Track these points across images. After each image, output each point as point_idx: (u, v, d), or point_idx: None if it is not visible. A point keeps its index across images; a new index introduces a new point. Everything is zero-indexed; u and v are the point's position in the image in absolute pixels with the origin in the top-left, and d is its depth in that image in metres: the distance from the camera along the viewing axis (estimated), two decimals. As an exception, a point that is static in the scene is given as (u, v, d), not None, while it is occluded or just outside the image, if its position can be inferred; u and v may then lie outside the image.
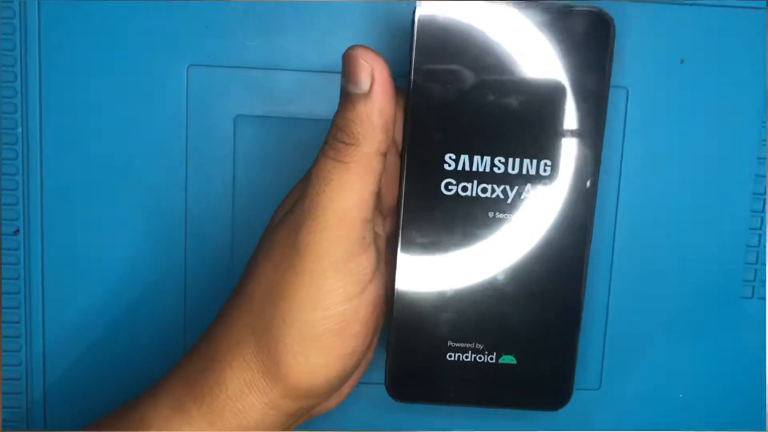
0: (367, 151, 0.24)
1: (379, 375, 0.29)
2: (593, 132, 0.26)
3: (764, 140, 0.32)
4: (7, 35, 0.30)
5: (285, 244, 0.25)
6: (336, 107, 0.31)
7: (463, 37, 0.26)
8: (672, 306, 0.33)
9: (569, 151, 0.26)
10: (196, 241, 0.32)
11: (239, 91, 0.31)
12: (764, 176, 0.33)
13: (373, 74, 0.24)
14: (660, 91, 0.32)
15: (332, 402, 0.28)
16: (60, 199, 0.31)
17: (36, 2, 0.30)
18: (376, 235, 0.26)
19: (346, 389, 0.28)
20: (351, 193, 0.24)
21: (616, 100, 0.32)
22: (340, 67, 0.31)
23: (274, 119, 0.31)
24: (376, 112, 0.24)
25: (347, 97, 0.25)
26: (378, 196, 0.26)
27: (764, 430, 0.33)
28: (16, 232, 0.32)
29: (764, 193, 0.33)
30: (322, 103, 0.31)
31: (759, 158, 0.32)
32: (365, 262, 0.25)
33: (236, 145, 0.31)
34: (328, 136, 0.25)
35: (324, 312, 0.25)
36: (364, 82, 0.24)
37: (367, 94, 0.24)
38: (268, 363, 0.25)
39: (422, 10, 0.25)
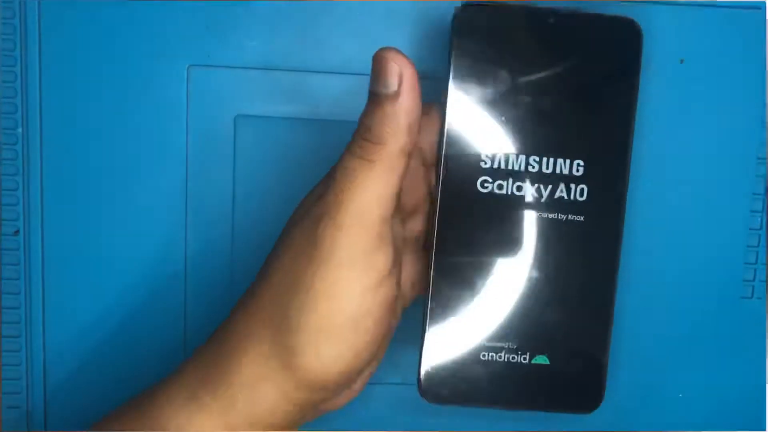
0: (391, 151, 0.25)
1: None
2: (623, 134, 0.27)
3: (764, 140, 0.32)
4: (7, 35, 0.30)
5: (304, 237, 0.26)
6: (334, 107, 0.31)
7: (500, 40, 0.27)
8: (672, 306, 0.33)
9: (601, 152, 0.27)
10: (196, 241, 0.32)
11: (239, 91, 0.31)
12: (764, 176, 0.33)
13: (401, 76, 0.25)
14: (660, 91, 0.32)
15: (341, 400, 0.28)
16: (60, 199, 0.31)
17: (36, 2, 0.30)
18: (394, 234, 0.27)
19: (356, 387, 0.29)
20: (373, 190, 0.25)
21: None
22: (339, 67, 0.31)
23: (274, 119, 0.31)
24: (403, 113, 0.25)
25: (375, 98, 0.25)
26: (398, 196, 0.26)
27: (764, 430, 0.33)
28: (16, 232, 0.32)
29: (764, 193, 0.33)
30: (322, 103, 0.31)
31: (759, 158, 0.32)
32: (382, 259, 0.26)
33: (236, 145, 0.31)
34: (355, 134, 0.26)
35: (338, 304, 0.25)
36: (393, 84, 0.25)
37: (395, 95, 0.25)
38: (283, 353, 0.25)
39: (462, 14, 0.27)
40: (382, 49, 0.25)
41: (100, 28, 0.30)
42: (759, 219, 0.33)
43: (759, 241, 0.33)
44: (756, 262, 0.33)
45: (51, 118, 0.31)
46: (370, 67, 0.31)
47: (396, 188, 0.25)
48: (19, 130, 0.31)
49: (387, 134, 0.25)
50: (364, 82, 0.31)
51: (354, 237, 0.25)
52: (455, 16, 0.27)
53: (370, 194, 0.25)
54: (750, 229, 0.33)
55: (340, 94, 0.31)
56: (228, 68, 0.31)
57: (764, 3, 0.31)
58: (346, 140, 0.31)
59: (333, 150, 0.32)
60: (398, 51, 0.25)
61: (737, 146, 0.32)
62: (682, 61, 0.32)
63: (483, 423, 0.33)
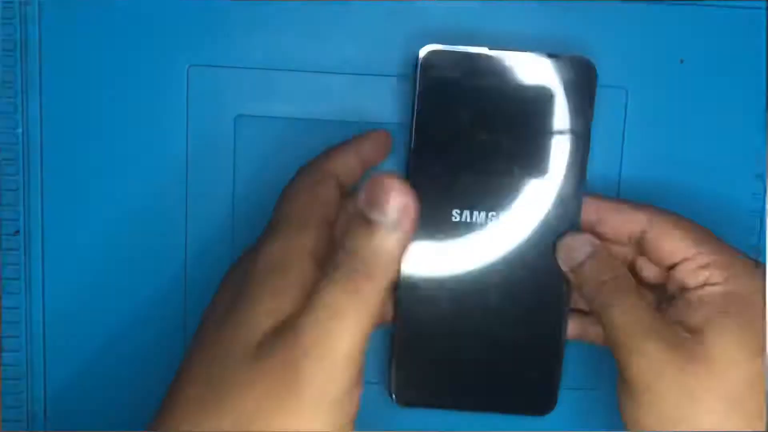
0: (380, 285, 0.23)
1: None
2: (575, 181, 0.30)
3: (764, 140, 0.32)
4: (8, 35, 0.30)
5: (276, 379, 0.22)
6: (334, 107, 0.31)
7: (463, 84, 0.29)
8: (672, 306, 0.33)
9: (549, 197, 0.30)
10: (196, 241, 0.32)
11: (239, 91, 0.31)
12: (764, 176, 0.33)
13: (405, 209, 0.23)
14: (660, 91, 0.32)
15: None
16: (60, 199, 0.31)
17: (36, 2, 0.30)
18: None
19: None
20: (360, 328, 0.22)
21: (616, 100, 0.32)
22: (339, 67, 0.31)
23: (274, 119, 0.31)
24: (400, 247, 0.23)
25: (367, 224, 0.23)
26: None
27: (764, 430, 0.33)
28: (17, 232, 0.32)
29: (764, 193, 0.33)
30: (322, 103, 0.31)
31: (759, 158, 0.32)
32: (356, 396, 0.24)
33: (236, 145, 0.31)
34: (341, 263, 0.23)
35: None
36: (393, 216, 0.22)
37: (393, 227, 0.23)
38: None
39: (427, 58, 0.29)
40: (381, 176, 0.23)
41: (100, 28, 0.30)
42: (759, 219, 0.33)
43: (759, 241, 0.33)
44: (756, 262, 0.33)
45: (51, 118, 0.31)
46: (370, 67, 0.31)
47: (377, 317, 0.23)
48: (19, 130, 0.31)
49: (379, 268, 0.23)
50: (364, 82, 0.31)
51: (338, 382, 0.22)
52: (421, 62, 0.29)
53: (358, 333, 0.22)
54: (750, 228, 0.33)
55: (340, 94, 0.31)
56: (228, 68, 0.31)
57: (764, 3, 0.32)
58: (346, 140, 0.31)
59: (333, 150, 0.32)
60: (400, 179, 0.23)
61: (737, 146, 0.32)
62: (682, 61, 0.32)
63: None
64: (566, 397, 0.33)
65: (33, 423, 0.33)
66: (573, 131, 0.29)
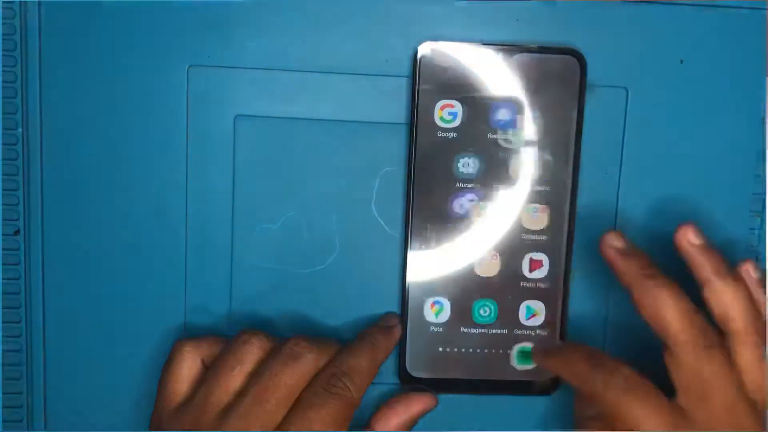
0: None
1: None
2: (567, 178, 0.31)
3: (764, 140, 0.32)
4: (8, 35, 0.30)
5: None
6: (334, 107, 0.30)
7: (460, 75, 0.31)
8: (672, 306, 0.33)
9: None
10: (196, 241, 0.32)
11: (239, 91, 0.31)
12: (764, 176, 0.33)
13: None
14: (660, 91, 0.32)
15: None
16: (60, 199, 0.31)
17: (36, 3, 0.30)
18: None
19: None
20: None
21: (616, 100, 0.32)
22: (339, 67, 0.31)
23: (274, 119, 0.31)
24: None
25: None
26: None
27: (764, 430, 0.33)
28: (17, 232, 0.32)
29: (764, 193, 0.33)
30: (322, 103, 0.31)
31: (758, 158, 0.32)
32: None
33: (236, 145, 0.31)
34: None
35: None
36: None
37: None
38: None
39: (424, 52, 0.30)
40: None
41: (100, 29, 0.31)
42: (759, 219, 0.33)
43: (759, 241, 0.33)
44: (756, 262, 0.33)
45: (51, 118, 0.31)
46: (370, 67, 0.31)
47: None
48: (20, 130, 0.31)
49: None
50: (364, 82, 0.31)
51: None
52: (419, 58, 0.30)
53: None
54: (750, 229, 0.33)
55: (340, 94, 0.31)
56: (228, 68, 0.31)
57: (764, 3, 0.32)
58: (346, 140, 0.32)
59: (333, 150, 0.32)
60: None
61: (737, 146, 0.32)
62: (682, 61, 0.32)
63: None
64: (566, 397, 0.33)
65: (33, 423, 0.33)
66: (566, 120, 0.31)
